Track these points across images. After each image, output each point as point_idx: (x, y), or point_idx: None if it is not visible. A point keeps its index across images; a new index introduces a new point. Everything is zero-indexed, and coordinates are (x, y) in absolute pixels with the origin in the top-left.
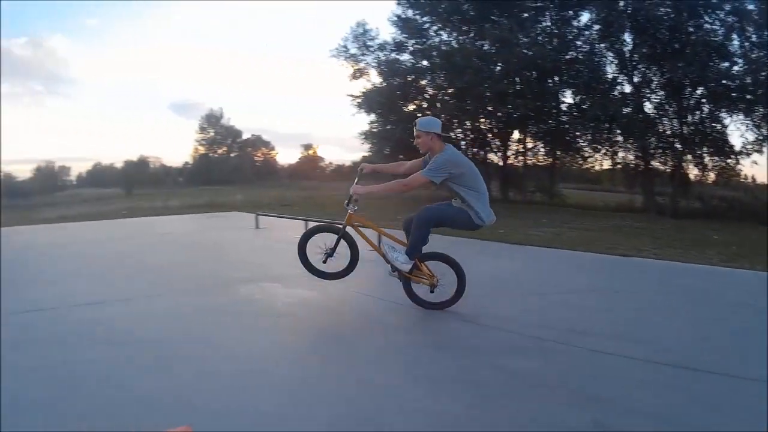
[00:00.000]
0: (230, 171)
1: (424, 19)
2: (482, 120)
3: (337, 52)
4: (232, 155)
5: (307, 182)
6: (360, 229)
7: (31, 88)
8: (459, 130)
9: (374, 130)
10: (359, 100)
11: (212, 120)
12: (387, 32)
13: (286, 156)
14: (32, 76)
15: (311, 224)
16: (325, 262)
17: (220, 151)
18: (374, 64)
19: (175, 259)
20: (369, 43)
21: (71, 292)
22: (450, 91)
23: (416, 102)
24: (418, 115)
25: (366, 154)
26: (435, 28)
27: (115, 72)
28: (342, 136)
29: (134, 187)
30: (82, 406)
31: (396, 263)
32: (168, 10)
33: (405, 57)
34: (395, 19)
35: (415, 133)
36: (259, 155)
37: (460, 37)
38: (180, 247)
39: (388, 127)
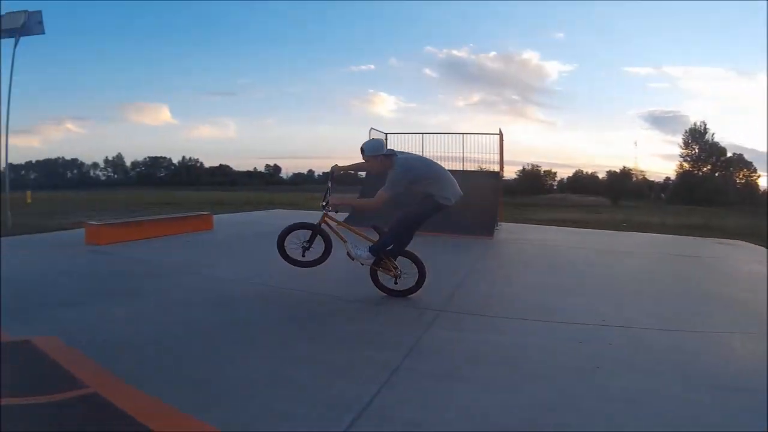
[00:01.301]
0: (712, 191)
1: None
2: None
3: None
4: (716, 174)
5: None
6: (332, 226)
7: (507, 97)
8: None
9: None
10: None
11: (695, 135)
12: None
13: None
14: (506, 86)
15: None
16: (303, 255)
17: (704, 169)
18: None
19: (730, 292)
20: None
21: (624, 308)
22: None
23: None
24: None
25: None
26: None
27: (586, 82)
28: None
29: (619, 198)
30: None
31: (360, 259)
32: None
33: None
34: None
35: (364, 158)
36: (740, 177)
37: None
38: (722, 276)
39: None
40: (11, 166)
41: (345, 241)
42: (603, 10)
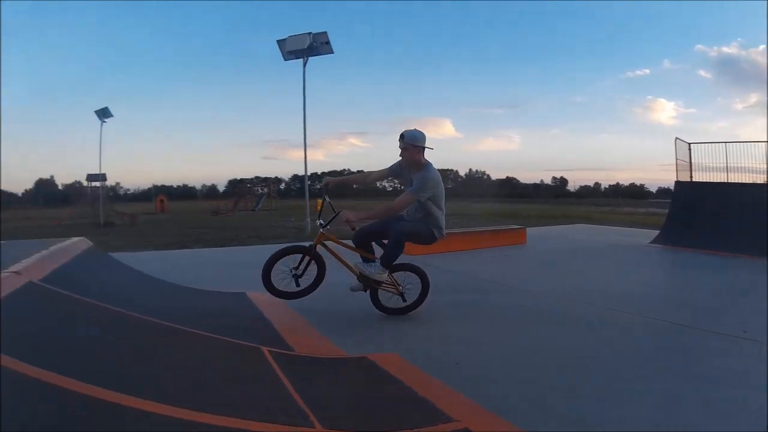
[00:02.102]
0: None
1: None
2: None
3: None
4: None
5: None
6: (330, 247)
7: None
8: None
9: None
10: None
11: None
12: None
13: None
14: None
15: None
16: (298, 285)
17: None
18: None
19: None
20: None
21: None
22: None
23: None
24: None
25: None
26: None
27: None
28: None
29: None
30: None
31: (374, 276)
32: None
33: None
34: None
35: (401, 146)
36: None
37: None
38: None
39: None
40: (297, 177)
41: (352, 265)
42: None
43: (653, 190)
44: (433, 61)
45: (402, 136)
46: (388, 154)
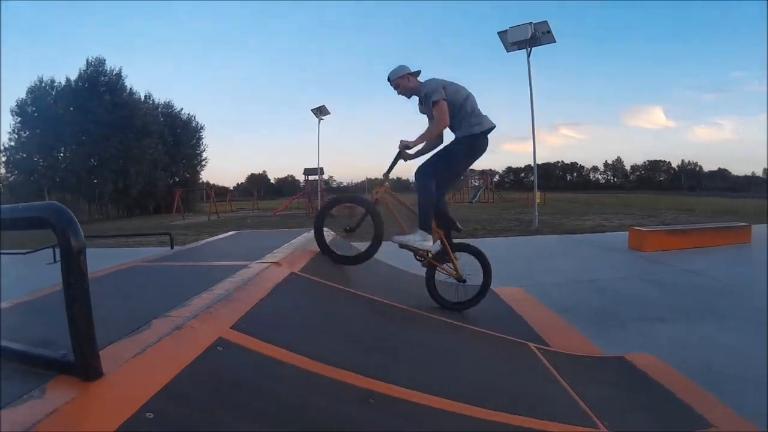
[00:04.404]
0: None
1: None
2: None
3: None
4: None
5: None
6: (392, 206)
7: None
8: None
9: None
10: None
11: None
12: None
13: None
14: None
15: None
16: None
17: None
18: None
19: None
20: None
21: None
22: None
23: None
24: None
25: None
26: None
27: None
28: None
29: None
30: None
31: (420, 246)
32: None
33: None
34: None
35: (395, 88)
36: None
37: None
38: None
39: None
40: (511, 170)
41: (403, 227)
42: None
43: None
44: (641, 43)
45: (389, 80)
46: (605, 146)
